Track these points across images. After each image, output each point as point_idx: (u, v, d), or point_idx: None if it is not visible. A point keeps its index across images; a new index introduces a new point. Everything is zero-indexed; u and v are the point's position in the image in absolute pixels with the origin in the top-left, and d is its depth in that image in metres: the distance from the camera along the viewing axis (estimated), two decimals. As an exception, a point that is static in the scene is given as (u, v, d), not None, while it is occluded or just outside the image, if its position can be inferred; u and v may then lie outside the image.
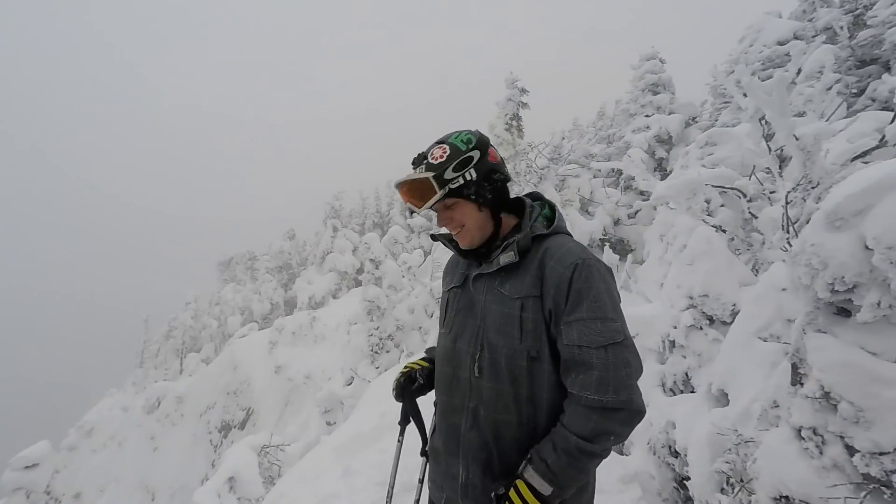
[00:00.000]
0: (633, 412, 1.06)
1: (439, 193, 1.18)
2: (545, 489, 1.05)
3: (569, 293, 1.10)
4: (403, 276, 13.10)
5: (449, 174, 1.19)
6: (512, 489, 1.09)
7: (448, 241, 1.38)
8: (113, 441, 20.01)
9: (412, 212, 1.27)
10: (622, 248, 8.76)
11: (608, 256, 6.23)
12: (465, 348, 1.24)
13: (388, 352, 11.43)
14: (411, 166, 1.25)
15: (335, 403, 10.68)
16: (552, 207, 1.37)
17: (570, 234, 1.30)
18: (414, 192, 1.21)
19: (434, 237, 1.41)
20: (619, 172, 9.80)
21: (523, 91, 9.49)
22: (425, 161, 1.22)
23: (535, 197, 1.40)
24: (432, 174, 1.18)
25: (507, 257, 1.18)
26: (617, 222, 8.97)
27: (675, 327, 3.11)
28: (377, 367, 11.18)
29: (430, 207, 1.24)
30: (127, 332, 33.42)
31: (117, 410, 22.46)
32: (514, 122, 9.52)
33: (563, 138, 10.93)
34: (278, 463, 7.63)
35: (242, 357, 17.82)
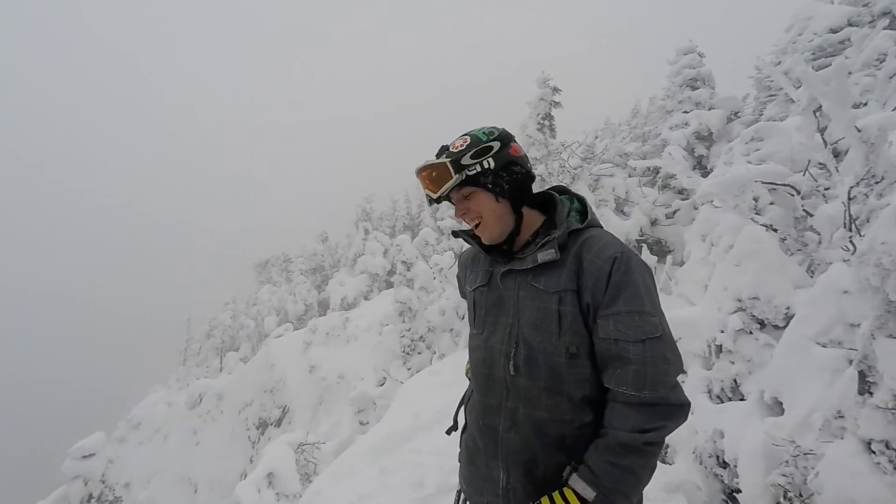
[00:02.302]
0: (672, 406, 1.03)
1: (455, 178, 1.17)
2: (588, 493, 1.02)
3: (607, 286, 1.08)
4: (434, 278, 13.15)
5: (466, 160, 1.18)
6: (556, 493, 1.06)
7: (470, 236, 1.36)
8: (158, 434, 21.03)
9: (431, 200, 1.25)
10: (660, 249, 8.47)
11: (646, 258, 6.04)
12: (498, 346, 1.21)
13: (419, 353, 11.49)
14: (434, 159, 1.25)
15: (367, 403, 10.83)
16: (581, 201, 1.33)
17: (602, 227, 1.27)
18: (432, 177, 1.20)
19: (456, 233, 1.38)
20: (656, 171, 9.50)
21: (555, 90, 9.35)
22: (447, 151, 1.23)
23: (561, 191, 1.36)
24: (449, 160, 1.18)
25: (546, 255, 1.14)
26: (654, 222, 8.69)
27: (723, 331, 2.97)
28: (409, 369, 11.26)
29: (447, 196, 1.23)
30: (171, 332, 35.05)
31: (162, 405, 23.58)
32: (547, 122, 9.40)
33: (596, 137, 10.69)
34: (314, 461, 7.82)
35: (278, 356, 18.35)
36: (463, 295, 1.56)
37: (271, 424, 16.92)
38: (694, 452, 2.84)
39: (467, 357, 1.44)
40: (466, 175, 1.18)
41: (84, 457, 6.42)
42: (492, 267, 1.32)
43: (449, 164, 1.18)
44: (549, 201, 1.33)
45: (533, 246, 1.21)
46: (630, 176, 9.71)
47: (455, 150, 1.20)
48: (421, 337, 11.60)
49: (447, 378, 6.30)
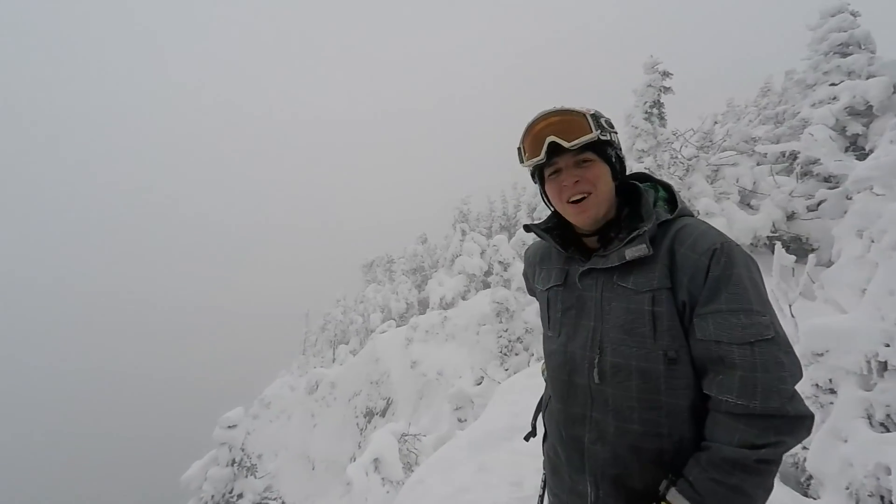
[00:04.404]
0: (791, 419, 0.88)
1: (594, 134, 1.06)
2: None
3: (705, 282, 0.96)
4: (531, 279, 12.90)
5: (604, 123, 1.10)
6: None
7: (544, 230, 1.25)
8: (283, 414, 23.82)
9: (552, 151, 1.09)
10: (799, 248, 7.28)
11: (781, 257, 5.23)
12: (579, 352, 1.11)
13: (516, 354, 11.38)
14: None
15: (465, 401, 11.02)
16: (667, 188, 1.18)
17: (694, 216, 1.12)
18: (564, 124, 1.07)
19: (528, 227, 1.29)
20: (794, 156, 8.18)
21: (665, 75, 8.58)
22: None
23: (642, 178, 1.22)
24: (591, 113, 1.08)
25: (636, 251, 1.03)
26: (791, 216, 7.49)
27: (888, 345, 2.46)
28: (506, 370, 11.20)
29: (562, 156, 1.10)
30: (293, 324, 39.49)
31: (286, 389, 26.65)
32: (655, 110, 8.67)
33: (716, 122, 9.55)
34: (415, 451, 8.19)
35: (382, 351, 19.57)
36: (531, 293, 1.47)
37: (377, 414, 18.11)
38: (848, 489, 2.40)
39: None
40: (599, 138, 1.08)
41: (229, 427, 7.62)
42: (567, 265, 1.21)
43: (590, 118, 1.08)
44: (629, 192, 1.20)
45: (617, 242, 1.10)
46: (759, 164, 8.50)
47: (587, 111, 1.10)
48: (518, 338, 11.47)
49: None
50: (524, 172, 1.21)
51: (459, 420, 10.71)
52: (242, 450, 7.82)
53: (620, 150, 1.16)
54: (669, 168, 8.40)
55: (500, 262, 12.81)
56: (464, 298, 23.52)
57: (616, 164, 1.13)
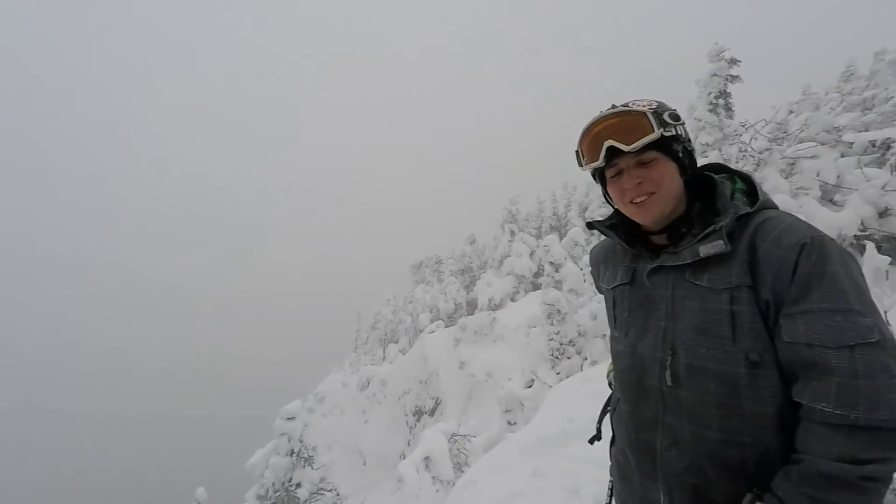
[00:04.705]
0: None
1: (656, 133, 1.00)
2: None
3: (793, 279, 0.88)
4: (584, 280, 12.52)
5: (667, 118, 1.03)
6: None
7: (609, 227, 1.20)
8: (336, 409, 24.68)
9: (610, 155, 1.05)
10: (893, 248, 6.52)
11: (873, 258, 4.70)
12: (649, 353, 1.06)
13: (568, 358, 11.07)
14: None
15: (515, 404, 10.86)
16: (746, 179, 1.09)
17: (778, 208, 1.02)
18: (623, 126, 1.02)
19: (591, 224, 1.23)
20: (887, 145, 7.35)
21: (733, 62, 8.02)
22: (627, 109, 1.04)
23: (718, 169, 1.13)
24: (651, 110, 1.02)
25: (712, 247, 0.96)
26: (884, 213, 6.72)
27: None
28: (558, 373, 10.93)
29: (622, 158, 1.04)
30: (345, 323, 40.95)
31: (339, 385, 27.59)
32: (721, 101, 8.12)
33: (791, 112, 8.79)
34: (465, 452, 8.19)
35: (431, 351, 19.78)
36: (601, 291, 1.41)
37: (426, 413, 18.32)
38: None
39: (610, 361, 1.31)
40: (663, 136, 1.02)
41: (288, 418, 8.02)
42: (634, 262, 1.16)
43: (651, 115, 1.02)
44: (703, 184, 1.12)
45: (690, 237, 1.03)
46: (843, 155, 7.71)
47: (646, 106, 1.04)
48: (570, 341, 11.15)
49: (601, 386, 5.91)
50: (575, 171, 1.18)
51: (509, 423, 10.58)
52: (300, 441, 8.20)
53: (689, 142, 1.09)
54: (738, 162, 7.81)
55: (550, 262, 12.53)
56: (513, 300, 23.27)
57: (684, 158, 1.06)
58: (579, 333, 11.20)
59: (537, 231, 30.61)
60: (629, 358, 1.12)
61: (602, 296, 1.37)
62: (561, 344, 11.29)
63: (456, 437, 8.45)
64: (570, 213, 29.56)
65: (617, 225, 1.22)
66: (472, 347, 17.82)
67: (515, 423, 10.32)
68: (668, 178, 1.04)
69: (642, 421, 1.08)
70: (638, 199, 1.05)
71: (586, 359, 10.74)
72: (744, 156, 7.92)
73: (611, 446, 1.29)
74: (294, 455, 8.12)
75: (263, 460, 7.87)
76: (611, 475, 1.30)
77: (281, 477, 7.78)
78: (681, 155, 1.05)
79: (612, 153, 1.05)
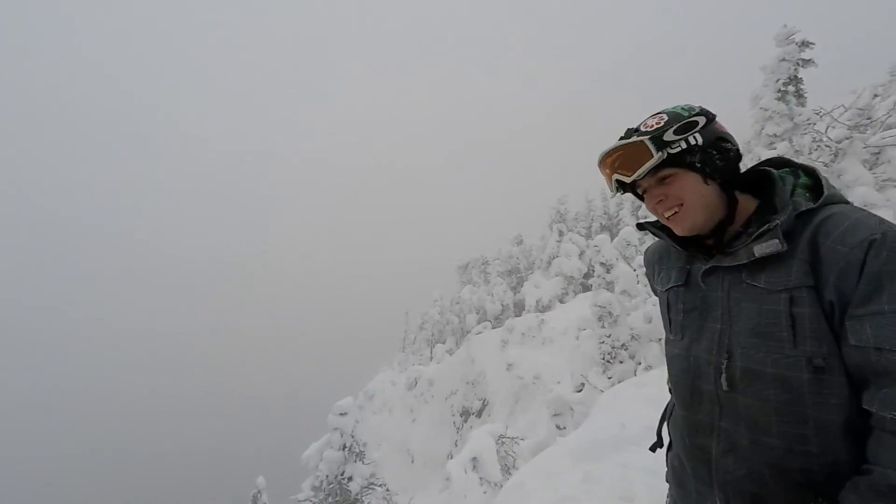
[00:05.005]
0: None
1: (656, 157, 1.00)
2: None
3: (859, 279, 0.82)
4: (638, 282, 12.02)
5: (669, 136, 1.01)
6: None
7: (659, 228, 1.17)
8: (385, 407, 25.25)
9: (621, 187, 1.10)
10: None
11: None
12: (704, 356, 1.03)
13: (621, 362, 10.66)
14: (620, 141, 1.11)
15: (564, 408, 10.60)
16: (810, 173, 1.03)
17: (848, 203, 0.95)
18: (624, 160, 1.05)
19: (641, 225, 1.22)
20: None
21: (804, 45, 7.39)
22: (637, 131, 1.06)
23: (780, 164, 1.08)
24: (648, 136, 1.01)
25: (767, 247, 0.92)
26: None
27: None
28: (609, 378, 10.56)
29: (642, 178, 1.05)
30: (393, 323, 41.79)
31: (388, 384, 28.22)
32: (791, 87, 7.51)
33: (876, 96, 7.95)
34: (513, 454, 8.10)
35: (478, 352, 19.76)
36: (655, 293, 1.38)
37: (473, 414, 18.32)
38: None
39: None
40: (669, 154, 1.01)
41: (340, 414, 8.33)
42: (688, 263, 1.13)
43: (648, 142, 1.02)
44: (763, 180, 1.08)
45: (745, 237, 1.00)
46: (941, 142, 6.87)
47: (650, 128, 1.05)
48: (623, 345, 10.74)
49: (657, 391, 5.67)
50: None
51: (558, 427, 10.35)
52: (352, 436, 8.48)
53: (710, 147, 1.04)
54: (811, 154, 7.19)
55: (601, 263, 12.13)
56: (561, 301, 22.77)
57: (705, 166, 1.03)
58: (632, 337, 10.77)
59: (587, 231, 29.77)
60: (684, 362, 1.10)
61: (657, 298, 1.35)
62: (613, 347, 10.90)
63: (503, 439, 8.39)
64: (622, 212, 28.51)
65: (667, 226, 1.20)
66: (519, 349, 17.63)
67: (564, 428, 10.08)
68: (690, 189, 1.03)
69: (697, 426, 1.06)
70: (667, 214, 1.06)
71: (640, 363, 10.30)
72: (818, 146, 7.28)
73: (667, 452, 1.26)
74: (346, 449, 8.42)
75: (317, 453, 8.23)
76: (667, 480, 1.27)
77: (334, 470, 8.10)
78: (699, 164, 1.02)
79: (623, 184, 1.09)
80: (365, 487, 8.29)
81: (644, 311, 10.70)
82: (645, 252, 1.41)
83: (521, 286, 27.52)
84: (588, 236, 27.77)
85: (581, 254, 23.15)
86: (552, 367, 15.04)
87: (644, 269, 1.44)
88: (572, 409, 10.34)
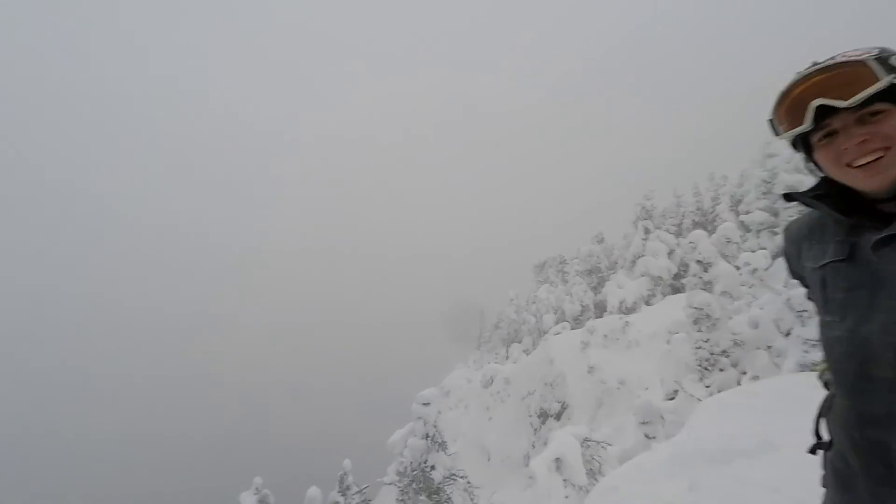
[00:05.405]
0: None
1: (885, 79, 0.84)
2: None
3: None
4: (742, 284, 10.90)
5: (895, 61, 0.85)
6: None
7: (815, 198, 1.01)
8: (461, 403, 25.54)
9: (822, 114, 0.90)
10: None
11: None
12: (877, 338, 0.89)
13: (721, 370, 9.75)
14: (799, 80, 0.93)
15: (654, 416, 9.96)
16: None
17: None
18: (835, 83, 0.88)
19: (790, 196, 1.05)
20: None
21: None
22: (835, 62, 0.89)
23: None
24: (873, 55, 0.86)
25: None
26: None
27: None
28: (707, 387, 9.71)
29: (844, 112, 0.88)
30: (469, 320, 42.07)
31: (463, 380, 28.51)
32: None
33: None
34: (599, 459, 7.78)
35: (557, 353, 19.21)
36: (794, 276, 1.23)
37: (551, 416, 17.85)
38: None
39: (822, 356, 1.10)
40: (893, 83, 0.85)
41: (423, 403, 8.60)
42: (853, 235, 0.97)
43: (874, 62, 0.86)
44: None
45: None
46: None
47: (866, 55, 0.88)
48: (724, 351, 9.81)
49: (769, 402, 5.10)
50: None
51: (647, 436, 9.75)
52: (435, 426, 8.72)
53: None
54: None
55: (698, 261, 11.16)
56: (647, 303, 21.37)
57: None
58: (735, 343, 9.78)
59: (676, 228, 27.56)
60: (848, 345, 0.97)
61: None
62: (711, 354, 10.00)
63: (588, 443, 8.09)
64: (719, 207, 26.00)
65: (823, 196, 1.04)
66: (602, 352, 16.87)
67: (654, 438, 9.47)
68: None
69: (868, 417, 0.94)
70: (863, 161, 0.89)
71: (745, 373, 9.34)
72: None
73: (824, 452, 1.12)
74: (429, 439, 8.67)
75: (402, 440, 8.58)
76: (823, 486, 1.13)
77: (417, 458, 8.39)
78: None
79: (824, 113, 0.91)
80: (447, 478, 8.47)
81: (749, 315, 9.67)
82: (787, 228, 1.24)
83: (602, 286, 26.28)
84: (678, 234, 25.69)
85: (670, 252, 21.52)
86: (639, 372, 14.20)
87: (785, 247, 1.25)
88: (663, 418, 9.67)
